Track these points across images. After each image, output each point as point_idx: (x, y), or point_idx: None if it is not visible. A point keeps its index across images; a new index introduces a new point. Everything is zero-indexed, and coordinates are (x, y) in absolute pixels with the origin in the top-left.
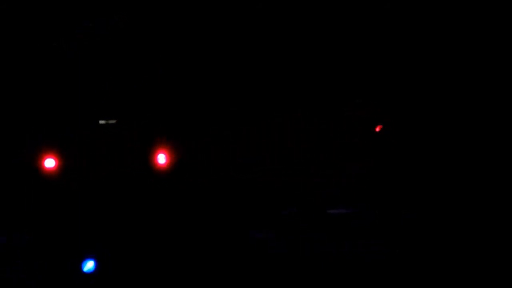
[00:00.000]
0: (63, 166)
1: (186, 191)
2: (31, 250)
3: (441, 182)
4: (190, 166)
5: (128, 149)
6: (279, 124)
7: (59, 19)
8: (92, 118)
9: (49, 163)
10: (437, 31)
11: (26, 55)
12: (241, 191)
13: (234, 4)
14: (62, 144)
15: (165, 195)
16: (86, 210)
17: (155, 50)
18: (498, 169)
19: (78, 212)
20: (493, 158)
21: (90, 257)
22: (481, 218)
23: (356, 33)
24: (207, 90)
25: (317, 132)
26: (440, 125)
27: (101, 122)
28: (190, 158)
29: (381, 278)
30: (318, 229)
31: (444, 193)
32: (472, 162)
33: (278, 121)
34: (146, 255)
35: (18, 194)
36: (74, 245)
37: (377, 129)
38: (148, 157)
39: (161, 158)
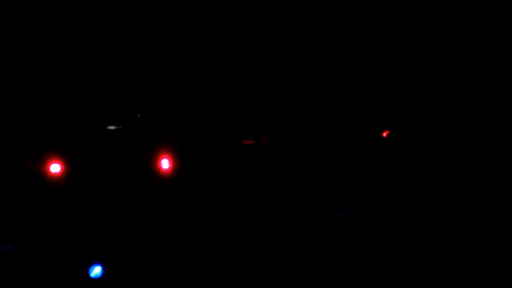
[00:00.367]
0: (69, 171)
1: (190, 195)
2: (38, 256)
3: (441, 182)
4: (193, 171)
5: (133, 154)
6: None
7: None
8: (97, 123)
9: (55, 168)
10: (437, 32)
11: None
12: (244, 196)
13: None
14: (68, 150)
15: (169, 199)
16: (91, 215)
17: (156, 54)
18: (498, 169)
19: (84, 217)
20: (493, 159)
21: (97, 263)
22: (481, 218)
23: (356, 33)
24: (212, 96)
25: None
26: (440, 126)
27: (110, 128)
28: (194, 162)
29: (381, 278)
30: (320, 232)
31: (444, 193)
32: (472, 162)
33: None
34: (152, 259)
35: (24, 199)
36: (81, 250)
37: (384, 135)
38: (152, 162)
39: (165, 163)
